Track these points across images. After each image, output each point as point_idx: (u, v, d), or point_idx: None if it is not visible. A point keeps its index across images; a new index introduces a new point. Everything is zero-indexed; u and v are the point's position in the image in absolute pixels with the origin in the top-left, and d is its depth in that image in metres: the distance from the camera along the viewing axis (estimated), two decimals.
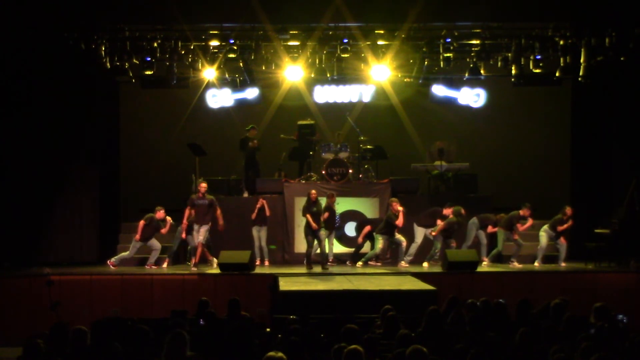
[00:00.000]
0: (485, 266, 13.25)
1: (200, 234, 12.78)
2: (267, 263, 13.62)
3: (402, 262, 13.35)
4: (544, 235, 13.36)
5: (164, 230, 13.29)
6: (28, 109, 13.74)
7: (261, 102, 15.28)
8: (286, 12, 13.12)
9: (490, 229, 13.56)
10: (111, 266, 13.01)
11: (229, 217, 14.17)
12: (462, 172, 15.11)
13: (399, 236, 13.35)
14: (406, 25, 13.21)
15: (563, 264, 13.23)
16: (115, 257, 13.21)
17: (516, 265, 13.22)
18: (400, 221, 13.17)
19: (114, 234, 14.46)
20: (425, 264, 13.36)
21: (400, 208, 13.19)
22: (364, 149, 14.82)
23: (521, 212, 13.31)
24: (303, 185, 14.36)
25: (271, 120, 15.70)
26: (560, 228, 13.23)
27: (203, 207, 12.83)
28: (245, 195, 14.60)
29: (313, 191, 13.15)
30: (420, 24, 13.40)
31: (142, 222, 13.15)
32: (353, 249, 14.01)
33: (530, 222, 13.39)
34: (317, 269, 12.94)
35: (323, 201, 13.39)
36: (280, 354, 5.17)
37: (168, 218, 13.44)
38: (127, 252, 13.22)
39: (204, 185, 12.99)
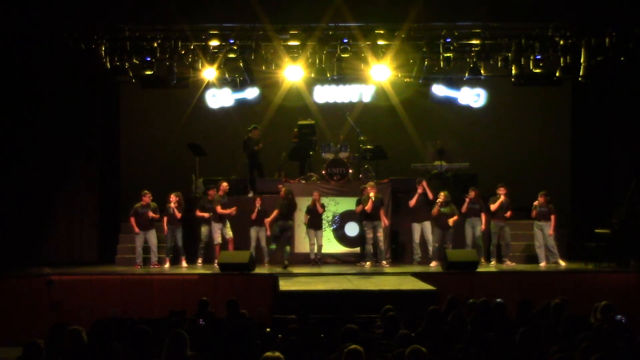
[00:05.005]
0: (492, 266, 13.23)
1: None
2: (266, 263, 13.62)
3: (383, 261, 13.32)
4: (536, 231, 13.32)
5: (151, 214, 13.20)
6: (29, 109, 13.75)
7: (261, 102, 15.26)
8: (286, 12, 13.10)
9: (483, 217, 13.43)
10: (138, 267, 13.16)
11: (231, 217, 14.16)
12: (462, 172, 15.13)
13: (380, 234, 13.29)
14: (406, 25, 13.19)
15: (563, 264, 13.21)
16: (138, 259, 13.28)
17: (509, 264, 13.20)
18: (369, 207, 13.12)
19: (114, 234, 14.44)
20: (433, 263, 13.34)
21: (371, 194, 13.15)
22: (364, 149, 14.81)
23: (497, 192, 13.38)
24: (303, 185, 14.35)
25: (271, 120, 15.70)
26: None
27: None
28: (250, 195, 14.59)
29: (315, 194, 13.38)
30: (420, 24, 13.38)
31: (131, 218, 13.31)
32: (353, 249, 14.00)
33: (501, 199, 13.26)
34: (316, 269, 13.06)
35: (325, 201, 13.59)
36: (277, 354, 5.16)
37: (153, 204, 13.46)
38: (136, 249, 13.28)
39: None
